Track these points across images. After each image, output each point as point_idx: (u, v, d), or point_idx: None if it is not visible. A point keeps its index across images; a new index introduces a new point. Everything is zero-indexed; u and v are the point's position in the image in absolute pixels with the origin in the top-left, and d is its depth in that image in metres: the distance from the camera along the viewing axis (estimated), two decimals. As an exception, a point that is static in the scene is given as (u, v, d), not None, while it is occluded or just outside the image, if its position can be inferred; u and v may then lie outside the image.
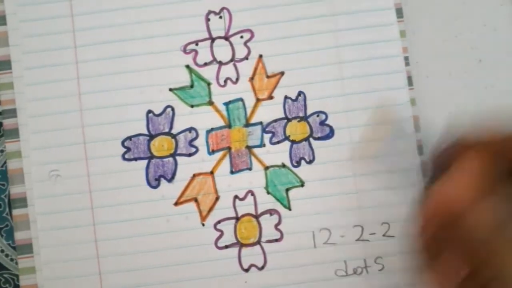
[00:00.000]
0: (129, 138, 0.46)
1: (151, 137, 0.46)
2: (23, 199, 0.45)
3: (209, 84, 0.46)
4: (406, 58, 0.47)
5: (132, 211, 0.45)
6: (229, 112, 0.46)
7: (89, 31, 0.46)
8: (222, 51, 0.46)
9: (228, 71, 0.46)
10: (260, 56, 0.46)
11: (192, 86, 0.46)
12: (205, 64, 0.46)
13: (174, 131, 0.46)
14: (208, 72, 0.46)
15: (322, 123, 0.46)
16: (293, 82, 0.46)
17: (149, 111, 0.46)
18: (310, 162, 0.46)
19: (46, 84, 0.46)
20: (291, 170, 0.46)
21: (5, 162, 0.46)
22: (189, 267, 0.45)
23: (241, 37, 0.46)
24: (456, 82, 0.48)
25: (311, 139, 0.46)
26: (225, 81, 0.46)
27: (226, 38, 0.46)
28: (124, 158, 0.46)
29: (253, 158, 0.46)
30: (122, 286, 0.45)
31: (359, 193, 0.46)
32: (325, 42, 0.46)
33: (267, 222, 0.45)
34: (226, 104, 0.46)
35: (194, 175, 0.46)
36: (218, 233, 0.45)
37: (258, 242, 0.45)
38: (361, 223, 0.45)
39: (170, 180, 0.46)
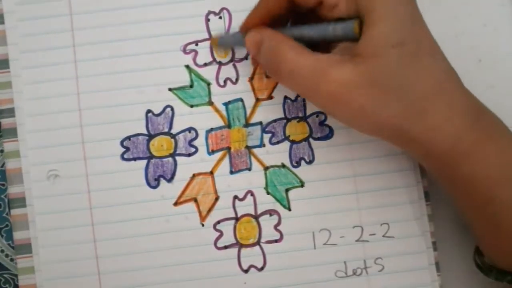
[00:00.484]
0: (128, 138, 0.46)
1: (151, 137, 0.46)
2: (21, 199, 0.45)
3: (208, 84, 0.46)
4: (406, 58, 0.47)
5: (131, 211, 0.45)
6: (229, 112, 0.46)
7: (88, 30, 0.46)
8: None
9: (227, 71, 0.46)
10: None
11: (191, 86, 0.46)
12: (205, 64, 0.46)
13: (173, 131, 0.46)
14: (208, 72, 0.46)
15: (322, 123, 0.46)
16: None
17: (149, 111, 0.46)
18: (310, 162, 0.46)
19: (45, 83, 0.46)
20: (291, 171, 0.46)
21: (4, 163, 0.46)
22: (188, 268, 0.45)
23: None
24: (456, 82, 0.48)
25: (310, 139, 0.46)
26: (225, 81, 0.46)
27: (226, 38, 0.46)
28: (123, 158, 0.45)
29: (252, 158, 0.46)
30: (121, 286, 0.45)
31: (359, 193, 0.46)
32: (325, 42, 0.46)
33: (267, 223, 0.45)
34: (226, 104, 0.46)
35: (194, 175, 0.46)
36: (218, 234, 0.45)
37: (258, 242, 0.45)
38: (361, 223, 0.45)
39: (169, 180, 0.45)
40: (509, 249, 0.38)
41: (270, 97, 0.46)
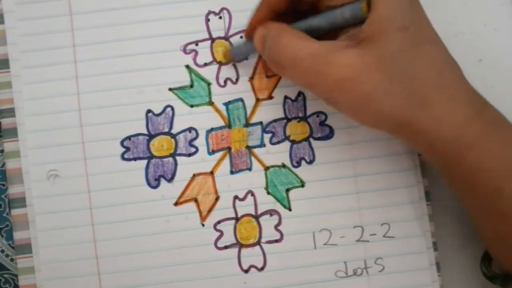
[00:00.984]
0: (129, 137, 0.46)
1: (151, 137, 0.46)
2: (21, 199, 0.45)
3: (209, 84, 0.46)
4: (406, 58, 0.47)
5: (132, 211, 0.45)
6: (229, 112, 0.46)
7: (88, 30, 0.46)
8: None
9: (228, 71, 0.46)
10: (260, 56, 0.46)
11: (192, 86, 0.46)
12: (205, 64, 0.46)
13: (173, 131, 0.46)
14: (208, 72, 0.46)
15: (322, 123, 0.46)
16: (293, 82, 0.46)
17: (149, 111, 0.46)
18: (310, 162, 0.46)
19: (45, 83, 0.46)
20: (291, 171, 0.46)
21: (4, 163, 0.45)
22: (189, 268, 0.45)
23: (241, 37, 0.46)
24: (456, 82, 0.48)
25: (311, 139, 0.46)
26: (225, 81, 0.46)
27: (226, 38, 0.46)
28: (123, 158, 0.45)
29: (253, 158, 0.46)
30: (121, 286, 0.45)
31: (359, 193, 0.46)
32: (325, 42, 0.46)
33: (267, 223, 0.45)
34: (226, 104, 0.46)
35: (194, 175, 0.46)
36: (218, 234, 0.45)
37: (258, 242, 0.45)
38: (361, 223, 0.45)
39: (169, 180, 0.45)
40: None
41: (270, 97, 0.46)
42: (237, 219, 0.45)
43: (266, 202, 0.46)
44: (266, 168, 0.46)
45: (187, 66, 0.46)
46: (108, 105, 0.45)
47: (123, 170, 0.45)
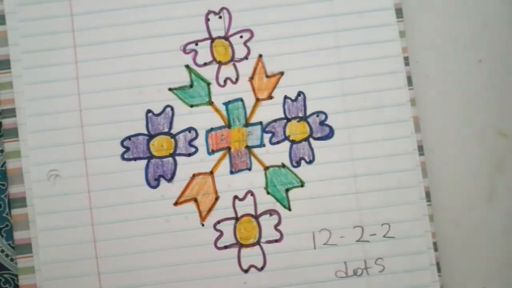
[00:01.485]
0: (129, 138, 0.46)
1: (151, 137, 0.46)
2: (22, 199, 0.45)
3: (208, 84, 0.46)
4: (406, 58, 0.47)
5: (131, 211, 0.45)
6: (229, 112, 0.46)
7: (88, 31, 0.46)
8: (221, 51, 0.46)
9: (227, 71, 0.46)
10: (260, 56, 0.46)
11: (191, 86, 0.46)
12: (205, 64, 0.46)
13: (173, 131, 0.46)
14: (208, 72, 0.46)
15: (322, 123, 0.46)
16: (293, 82, 0.46)
17: (149, 111, 0.46)
18: (310, 162, 0.46)
19: (45, 83, 0.46)
20: (291, 170, 0.46)
21: (5, 162, 0.46)
22: (188, 268, 0.45)
23: (241, 37, 0.46)
24: (456, 82, 0.48)
25: (311, 139, 0.46)
26: (225, 81, 0.46)
27: (226, 38, 0.46)
28: (123, 158, 0.46)
29: (252, 158, 0.46)
30: (121, 286, 0.45)
31: (359, 193, 0.46)
32: (325, 42, 0.46)
33: (267, 223, 0.45)
34: (226, 104, 0.46)
35: (194, 175, 0.46)
36: (218, 234, 0.45)
37: (258, 242, 0.45)
38: (361, 224, 0.45)
39: (169, 180, 0.45)
40: None
41: (270, 97, 0.46)
42: (237, 219, 0.45)
43: (266, 202, 0.45)
44: (266, 168, 0.46)
45: (187, 66, 0.46)
46: (108, 105, 0.46)
47: (123, 170, 0.45)
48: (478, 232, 0.47)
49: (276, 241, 0.45)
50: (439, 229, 0.47)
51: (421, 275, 0.45)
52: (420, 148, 0.46)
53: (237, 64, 0.46)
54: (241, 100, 0.46)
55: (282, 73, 0.46)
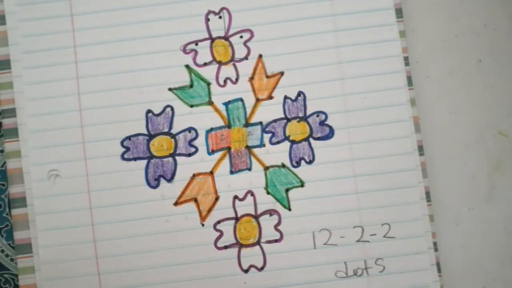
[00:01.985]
0: (129, 138, 0.46)
1: (151, 137, 0.46)
2: (22, 199, 0.45)
3: (208, 84, 0.46)
4: (406, 58, 0.47)
5: (131, 211, 0.45)
6: (229, 112, 0.46)
7: (88, 31, 0.46)
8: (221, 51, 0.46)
9: (227, 71, 0.46)
10: (260, 56, 0.46)
11: (191, 86, 0.46)
12: (205, 64, 0.46)
13: (173, 131, 0.46)
14: (208, 72, 0.46)
15: (322, 123, 0.46)
16: (293, 82, 0.46)
17: (149, 111, 0.46)
18: (310, 162, 0.46)
19: (46, 83, 0.46)
20: (291, 170, 0.46)
21: (5, 162, 0.46)
22: (188, 268, 0.45)
23: (241, 37, 0.46)
24: (456, 82, 0.48)
25: (311, 139, 0.46)
26: (225, 81, 0.46)
27: (226, 38, 0.46)
28: (123, 158, 0.46)
29: (252, 158, 0.46)
30: (121, 286, 0.45)
31: (359, 193, 0.46)
32: (325, 42, 0.46)
33: (267, 223, 0.45)
34: (226, 104, 0.46)
35: (194, 175, 0.46)
36: (218, 234, 0.45)
37: (258, 242, 0.45)
38: (361, 224, 0.45)
39: (169, 180, 0.45)
40: None
41: (270, 97, 0.46)
42: (237, 219, 0.45)
43: (266, 202, 0.46)
44: (266, 168, 0.46)
45: (187, 66, 0.46)
46: (108, 105, 0.46)
47: (123, 170, 0.45)
48: (478, 232, 0.47)
49: (276, 241, 0.45)
50: (439, 229, 0.47)
51: (421, 275, 0.45)
52: (420, 148, 0.46)
53: (237, 64, 0.46)
54: (241, 100, 0.46)
55: (282, 73, 0.46)
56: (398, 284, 0.45)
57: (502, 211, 0.47)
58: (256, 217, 0.46)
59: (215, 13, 0.46)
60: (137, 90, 0.46)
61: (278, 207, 0.46)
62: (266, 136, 0.46)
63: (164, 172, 0.45)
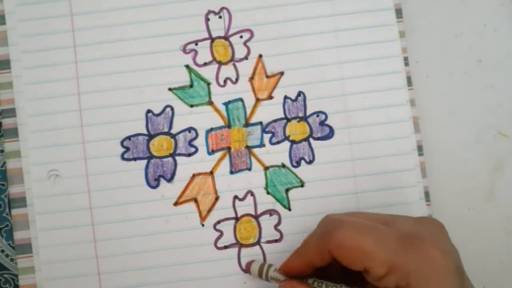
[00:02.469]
0: (128, 138, 0.46)
1: (150, 137, 0.46)
2: (22, 199, 0.45)
3: (208, 84, 0.46)
4: (406, 59, 0.47)
5: (131, 211, 0.45)
6: (229, 112, 0.46)
7: (88, 31, 0.46)
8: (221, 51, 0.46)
9: (227, 71, 0.46)
10: (260, 56, 0.46)
11: (191, 86, 0.46)
12: (205, 64, 0.46)
13: (173, 131, 0.46)
14: (208, 72, 0.46)
15: (322, 123, 0.46)
16: (293, 82, 0.46)
17: (149, 111, 0.46)
18: (310, 162, 0.46)
19: (45, 83, 0.46)
20: (291, 170, 0.46)
21: (5, 162, 0.46)
22: (188, 268, 0.45)
23: (241, 37, 0.46)
24: (456, 82, 0.48)
25: (311, 139, 0.46)
26: (225, 81, 0.46)
27: (226, 38, 0.46)
28: (123, 158, 0.46)
29: (252, 158, 0.46)
30: (121, 286, 0.45)
31: (359, 193, 0.46)
32: (325, 42, 0.46)
33: (267, 223, 0.45)
34: (226, 104, 0.46)
35: (194, 175, 0.46)
36: (218, 234, 0.45)
37: (258, 242, 0.45)
38: (361, 223, 0.45)
39: (169, 180, 0.45)
40: None
41: (270, 97, 0.46)
42: (237, 219, 0.45)
43: (266, 202, 0.46)
44: (266, 168, 0.46)
45: (187, 66, 0.46)
46: (108, 105, 0.46)
47: (123, 170, 0.45)
48: (478, 232, 0.47)
49: (276, 241, 0.45)
50: (439, 229, 0.47)
51: (421, 275, 0.45)
52: (420, 148, 0.46)
53: (237, 64, 0.46)
54: (241, 100, 0.46)
55: (282, 73, 0.46)
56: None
57: (502, 211, 0.47)
58: (256, 217, 0.46)
59: (215, 13, 0.46)
60: (137, 90, 0.46)
61: (278, 207, 0.46)
62: (266, 136, 0.46)
63: (164, 172, 0.45)
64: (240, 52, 0.46)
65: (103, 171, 0.45)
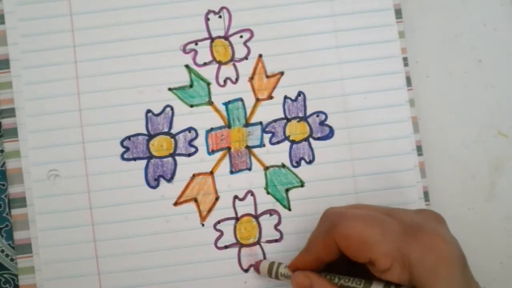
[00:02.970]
0: (128, 137, 0.46)
1: (150, 137, 0.46)
2: (22, 199, 0.45)
3: (208, 83, 0.46)
4: (405, 59, 0.47)
5: (131, 211, 0.45)
6: (229, 112, 0.46)
7: (88, 31, 0.46)
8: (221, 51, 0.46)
9: (227, 71, 0.46)
10: (260, 56, 0.46)
11: (191, 86, 0.46)
12: (205, 63, 0.46)
13: (173, 131, 0.46)
14: (208, 72, 0.46)
15: (322, 123, 0.46)
16: (293, 82, 0.46)
17: (148, 111, 0.46)
18: (310, 162, 0.46)
19: (45, 83, 0.46)
20: (291, 170, 0.46)
21: (5, 162, 0.46)
22: (189, 268, 0.45)
23: (241, 36, 0.46)
24: (456, 82, 0.48)
25: (311, 139, 0.46)
26: (225, 81, 0.46)
27: (226, 37, 0.46)
28: (123, 158, 0.46)
29: (252, 158, 0.46)
30: (121, 286, 0.45)
31: (359, 193, 0.46)
32: (324, 42, 0.46)
33: (267, 222, 0.45)
34: (226, 104, 0.46)
35: (194, 175, 0.46)
36: (218, 233, 0.45)
37: (258, 242, 0.45)
38: (361, 223, 0.45)
39: (169, 180, 0.45)
40: None
41: (270, 97, 0.46)
42: (237, 219, 0.45)
43: (266, 202, 0.46)
44: (266, 168, 0.46)
45: (187, 66, 0.46)
46: (108, 105, 0.46)
47: (123, 170, 0.45)
48: (478, 232, 0.47)
49: (276, 241, 0.45)
50: (438, 229, 0.47)
51: (421, 274, 0.45)
52: (419, 148, 0.46)
53: (237, 64, 0.46)
54: (241, 100, 0.46)
55: (282, 73, 0.46)
56: (397, 284, 0.45)
57: (502, 211, 0.47)
58: (256, 217, 0.46)
59: (215, 13, 0.46)
60: (137, 90, 0.46)
61: (278, 207, 0.46)
62: (266, 136, 0.46)
63: (164, 172, 0.45)
64: (240, 52, 0.46)
65: (103, 171, 0.45)
